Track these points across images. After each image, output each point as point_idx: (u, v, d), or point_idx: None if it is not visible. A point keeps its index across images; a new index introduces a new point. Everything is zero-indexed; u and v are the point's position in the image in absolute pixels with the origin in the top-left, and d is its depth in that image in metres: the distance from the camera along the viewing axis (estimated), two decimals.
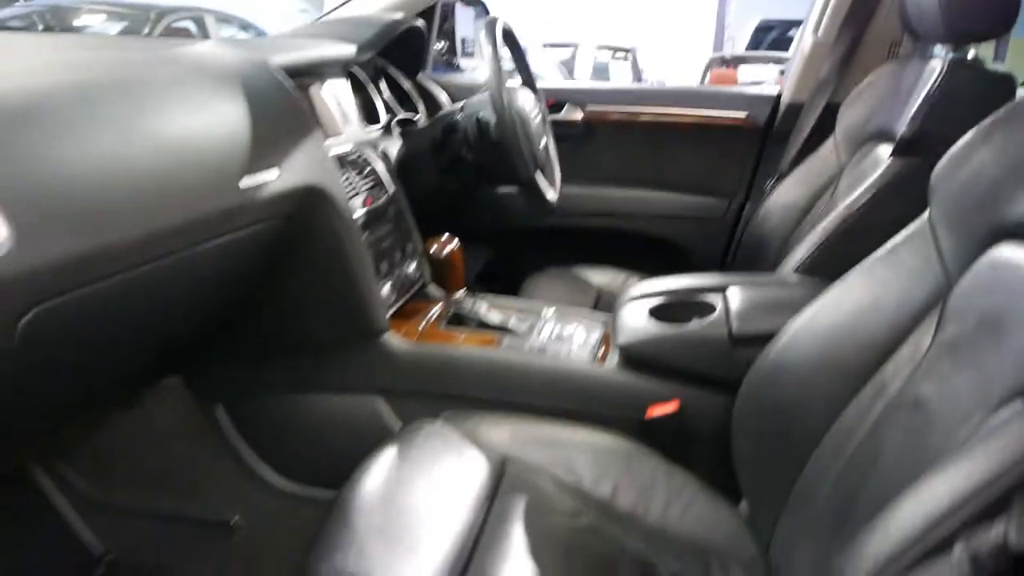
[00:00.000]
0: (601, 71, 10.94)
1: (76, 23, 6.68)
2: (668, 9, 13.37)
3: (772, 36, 9.77)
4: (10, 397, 0.79)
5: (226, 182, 0.99)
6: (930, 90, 1.36)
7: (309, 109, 1.41)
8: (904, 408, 0.87)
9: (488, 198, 2.02)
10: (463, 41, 2.31)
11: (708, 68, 7.63)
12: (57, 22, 6.55)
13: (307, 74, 1.43)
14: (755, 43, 10.15)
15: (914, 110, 1.37)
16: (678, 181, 2.13)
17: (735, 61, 8.20)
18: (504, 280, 2.02)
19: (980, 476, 0.59)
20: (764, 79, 7.79)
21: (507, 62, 1.76)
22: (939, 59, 1.42)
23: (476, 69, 2.36)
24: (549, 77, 7.79)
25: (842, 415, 0.96)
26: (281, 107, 1.16)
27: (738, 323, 1.22)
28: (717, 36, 12.58)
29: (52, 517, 1.35)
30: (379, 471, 0.98)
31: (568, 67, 10.30)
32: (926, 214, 0.99)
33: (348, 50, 1.55)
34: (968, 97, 1.34)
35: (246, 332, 1.29)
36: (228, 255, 1.04)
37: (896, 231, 1.02)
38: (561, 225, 2.11)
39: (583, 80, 9.47)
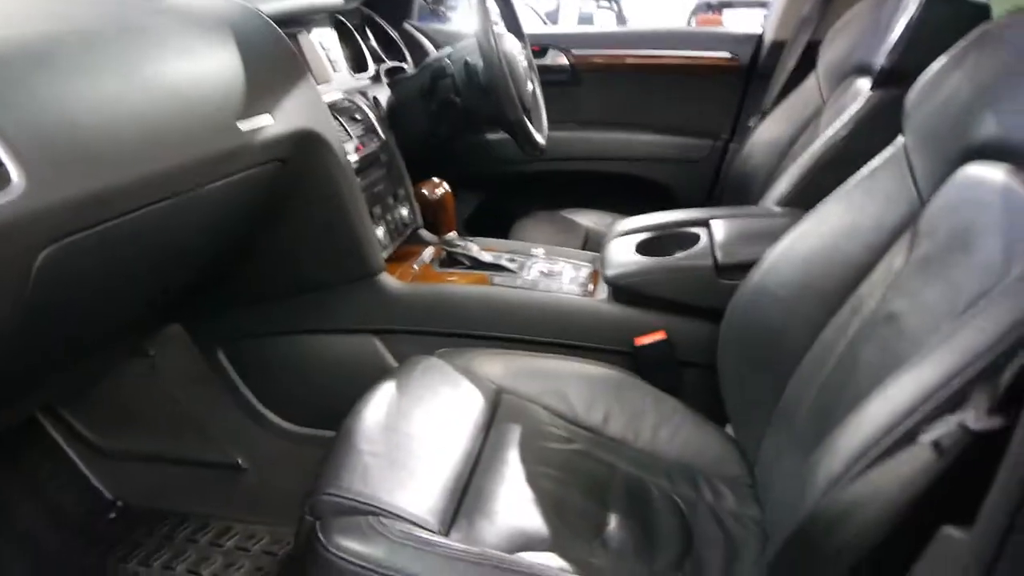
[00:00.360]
0: (586, 20, 10.82)
1: None
2: None
3: None
4: (24, 338, 0.83)
5: (225, 124, 1.02)
6: (908, 22, 1.38)
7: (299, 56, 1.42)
8: (879, 324, 0.91)
9: (477, 144, 2.04)
10: None
11: (693, 14, 7.54)
12: None
13: (294, 22, 1.44)
14: None
15: (892, 42, 1.40)
16: (664, 122, 2.15)
17: (720, 6, 8.10)
18: (494, 224, 2.05)
19: (942, 372, 0.63)
20: (751, 26, 7.71)
21: (493, 8, 1.77)
22: None
23: (461, 18, 2.36)
24: (533, 25, 7.72)
25: (821, 335, 1.00)
26: (273, 53, 1.18)
27: (721, 253, 1.26)
28: None
29: (63, 465, 1.40)
30: (380, 403, 1.02)
31: (552, 18, 10.19)
32: (900, 139, 1.02)
33: None
34: (945, 28, 1.35)
35: (245, 276, 1.32)
36: (229, 196, 1.07)
37: None
38: (549, 169, 2.14)
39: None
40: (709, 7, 7.98)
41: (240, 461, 1.41)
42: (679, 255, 1.30)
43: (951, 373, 0.63)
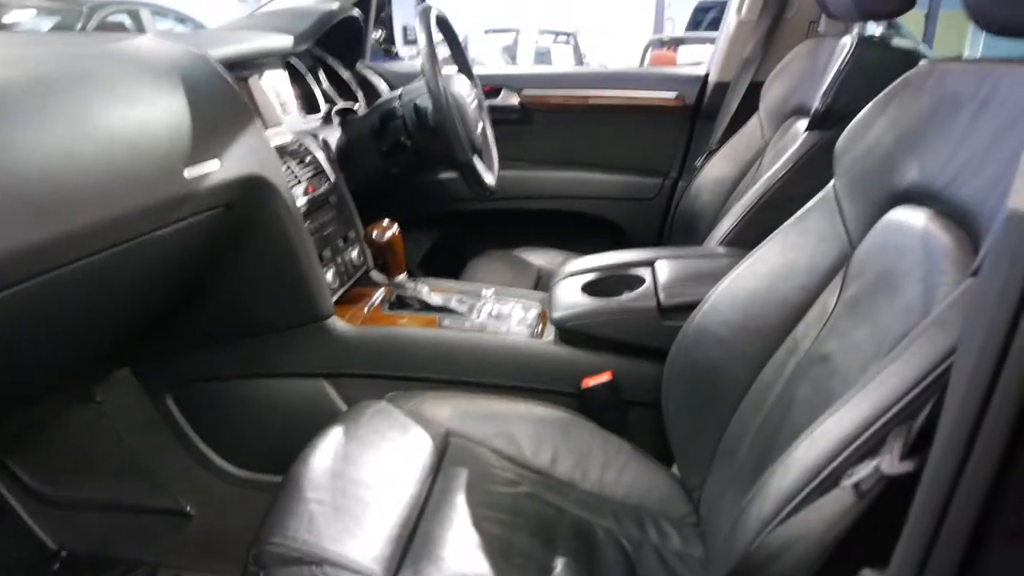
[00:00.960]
0: (543, 55, 10.99)
1: (6, 20, 6.50)
2: None
3: (711, 16, 9.89)
4: None
5: (171, 172, 1.02)
6: (840, 66, 1.44)
7: (248, 101, 1.43)
8: (813, 363, 0.94)
9: (430, 183, 2.06)
10: (404, 29, 2.33)
11: (647, 50, 7.70)
12: None
13: (245, 66, 1.45)
14: (694, 23, 10.28)
15: (826, 86, 1.45)
16: (613, 161, 2.19)
17: (673, 42, 8.30)
18: (448, 262, 2.07)
19: (863, 416, 0.66)
20: (703, 60, 7.89)
21: (443, 49, 1.80)
22: (849, 37, 1.50)
23: (416, 57, 2.39)
24: (491, 63, 7.81)
25: (760, 374, 1.03)
26: (221, 99, 1.19)
27: (665, 294, 1.29)
28: (657, 18, 12.69)
29: (5, 514, 1.37)
30: (327, 449, 1.02)
31: (510, 52, 10.33)
32: (831, 183, 1.06)
33: (285, 41, 1.58)
34: (875, 72, 1.41)
35: (193, 320, 1.31)
36: (175, 243, 1.07)
37: None
38: (502, 208, 2.16)
39: (520, 65, 9.51)
40: (662, 43, 8.17)
41: (189, 508, 1.39)
42: (624, 296, 1.32)
43: (871, 418, 0.65)
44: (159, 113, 1.05)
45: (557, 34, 11.34)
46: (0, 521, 1.39)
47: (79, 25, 6.07)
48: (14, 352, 0.88)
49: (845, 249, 0.99)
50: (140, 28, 6.52)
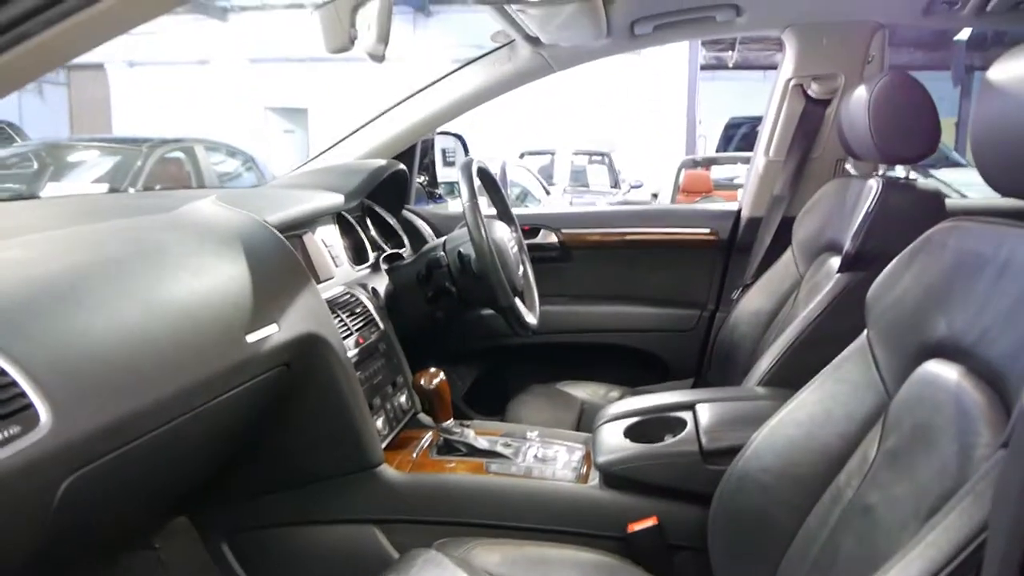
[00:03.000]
0: (579, 175, 11.30)
1: (71, 159, 6.89)
2: (641, 112, 13.86)
3: (742, 132, 10.17)
4: (45, 555, 0.87)
5: (234, 339, 1.09)
6: (868, 209, 1.49)
7: (303, 257, 1.52)
8: (856, 515, 0.95)
9: (473, 320, 2.12)
10: (443, 151, 2.45)
11: (680, 171, 7.90)
12: (53, 160, 6.74)
13: (300, 225, 1.55)
14: (726, 140, 10.55)
15: (855, 227, 1.50)
16: (652, 295, 2.25)
17: (706, 162, 8.50)
18: (492, 397, 2.11)
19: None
20: (738, 175, 8.07)
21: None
22: (876, 178, 1.56)
23: (454, 196, 2.51)
24: (529, 184, 8.06)
25: (805, 523, 1.04)
26: (279, 263, 1.28)
27: (707, 439, 1.31)
28: (688, 136, 13.02)
29: None
30: None
31: (547, 173, 10.64)
32: (865, 332, 1.09)
33: (336, 200, 1.68)
34: (901, 214, 1.47)
35: (248, 470, 1.36)
36: (238, 405, 1.14)
37: (849, 341, 1.12)
38: (544, 342, 2.21)
39: (556, 186, 9.76)
40: (695, 163, 8.38)
41: None
42: (667, 441, 1.35)
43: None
44: (222, 282, 1.13)
45: (592, 154, 11.68)
46: None
47: (139, 163, 6.40)
48: (87, 523, 0.93)
49: (882, 399, 1.01)
50: (195, 163, 6.86)
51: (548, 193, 8.34)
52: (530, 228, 2.25)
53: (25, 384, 0.77)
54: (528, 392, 1.99)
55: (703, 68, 14.00)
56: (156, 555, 1.40)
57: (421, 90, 2.03)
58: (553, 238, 2.25)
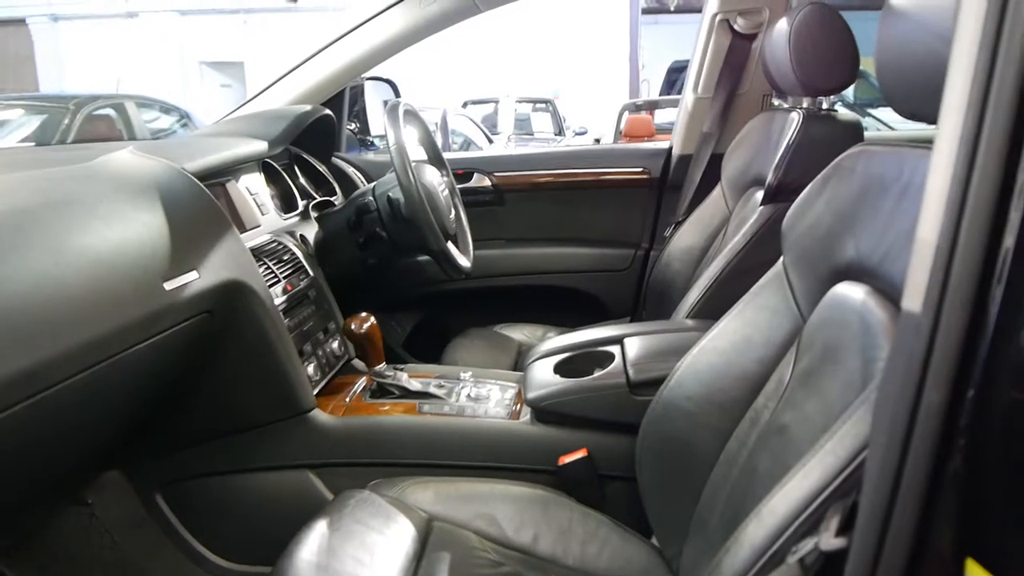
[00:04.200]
0: (524, 123, 11.22)
1: None
2: (585, 58, 13.77)
3: (685, 76, 10.14)
4: None
5: (151, 287, 1.07)
6: (789, 141, 1.51)
7: (226, 206, 1.50)
8: (772, 434, 0.98)
9: (409, 266, 2.12)
10: (385, 103, 2.40)
11: (622, 114, 7.87)
12: None
13: (222, 173, 1.52)
14: (669, 84, 10.53)
15: (777, 159, 1.52)
16: (586, 235, 2.26)
17: (648, 106, 8.48)
18: (431, 342, 2.11)
19: (803, 496, 0.70)
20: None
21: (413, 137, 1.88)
22: (797, 111, 1.58)
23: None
24: (472, 134, 7.98)
25: (727, 445, 1.07)
26: (198, 211, 1.25)
27: (634, 371, 1.33)
28: (631, 81, 12.99)
29: None
30: (311, 542, 1.05)
31: (491, 122, 10.54)
32: (781, 259, 1.12)
33: (260, 147, 1.65)
34: (821, 145, 1.49)
35: (178, 420, 1.35)
36: (159, 353, 1.12)
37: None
38: (481, 286, 2.22)
39: (501, 135, 9.68)
40: (637, 107, 8.35)
41: None
42: (595, 374, 1.37)
43: (811, 495, 0.70)
44: (138, 231, 1.10)
45: (535, 102, 11.59)
46: None
47: (66, 121, 6.18)
48: (16, 464, 0.92)
49: (797, 323, 1.04)
50: (126, 120, 6.65)
51: (491, 142, 8.27)
52: (464, 172, 2.24)
53: None
54: (465, 335, 1.99)
55: (645, 12, 13.91)
56: (89, 510, 1.39)
57: (346, 34, 1.98)
58: (487, 181, 2.25)
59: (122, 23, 14.09)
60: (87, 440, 1.15)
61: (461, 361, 1.83)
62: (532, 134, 10.91)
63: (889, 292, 0.84)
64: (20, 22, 13.81)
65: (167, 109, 7.56)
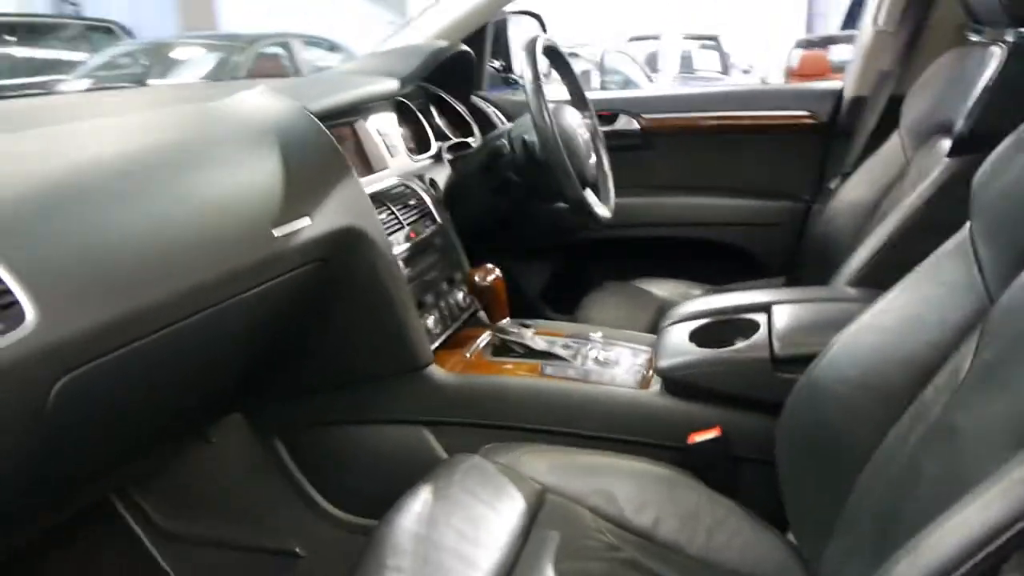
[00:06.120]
0: (687, 61, 10.79)
1: (174, 56, 7.07)
2: None
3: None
4: (55, 452, 0.86)
5: (259, 233, 1.04)
6: (988, 82, 1.29)
7: (353, 146, 1.45)
8: (941, 436, 0.83)
9: (548, 214, 2.02)
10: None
11: (793, 52, 7.37)
12: (158, 59, 6.95)
13: (352, 112, 1.48)
14: (851, 18, 9.77)
15: (971, 103, 1.30)
16: (741, 185, 2.09)
17: (823, 42, 7.90)
18: (570, 293, 2.02)
19: (994, 523, 0.57)
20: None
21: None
22: (1000, 45, 1.34)
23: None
24: (631, 72, 7.73)
25: (884, 440, 0.92)
26: (315, 154, 1.21)
27: (780, 344, 1.19)
28: (808, 16, 12.17)
29: (132, 546, 1.44)
30: (413, 509, 1.00)
31: (652, 62, 10.21)
32: (967, 224, 0.94)
33: (390, 85, 1.59)
34: None
35: (299, 367, 1.34)
36: (271, 300, 1.10)
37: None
38: (623, 236, 2.10)
39: (662, 74, 9.35)
40: (810, 43, 7.79)
41: (298, 549, 1.42)
42: (736, 346, 1.23)
43: (993, 531, 0.56)
44: (250, 175, 1.08)
45: (701, 38, 11.10)
46: (131, 549, 1.46)
47: (238, 58, 6.50)
48: (98, 419, 0.92)
49: (983, 303, 0.87)
50: (292, 58, 6.90)
51: (651, 81, 7.98)
52: (610, 113, 2.10)
53: (10, 282, 0.73)
54: (603, 289, 1.89)
55: None
56: (213, 448, 1.41)
57: None
58: (634, 124, 2.10)
59: None
60: (206, 380, 1.16)
61: (595, 317, 1.73)
62: (695, 72, 10.47)
63: None
64: None
65: (333, 47, 7.80)
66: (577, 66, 6.95)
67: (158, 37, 8.70)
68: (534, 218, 2.01)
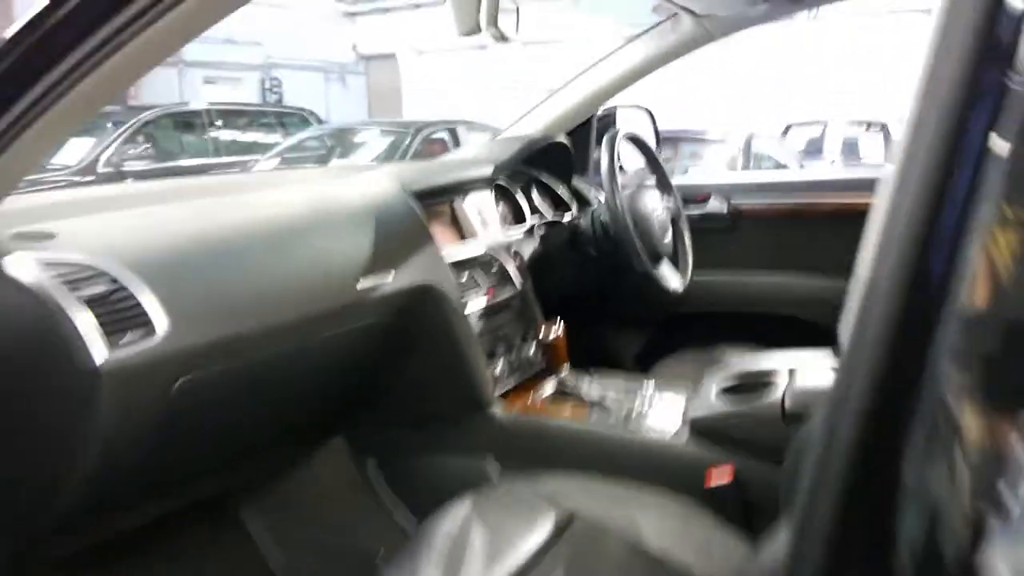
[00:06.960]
0: (852, 146, 10.55)
1: (355, 140, 7.83)
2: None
3: None
4: (174, 444, 1.14)
5: (344, 284, 1.32)
6: None
7: (450, 220, 1.72)
8: None
9: (633, 287, 2.20)
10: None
11: None
12: (340, 142, 7.72)
13: (450, 192, 1.75)
14: None
15: None
16: (825, 266, 2.17)
17: None
18: (659, 361, 2.17)
19: None
20: None
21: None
22: None
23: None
24: (783, 158, 7.74)
25: None
26: (402, 227, 1.50)
27: (791, 401, 1.31)
28: None
29: (244, 544, 1.69)
30: (452, 514, 1.19)
31: (817, 145, 10.07)
32: None
33: (484, 170, 1.85)
34: None
35: (384, 402, 1.59)
36: (353, 342, 1.36)
37: None
38: (712, 311, 2.23)
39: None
40: None
41: (381, 557, 1.63)
42: (754, 400, 1.37)
43: None
44: (342, 240, 1.37)
45: (869, 124, 10.85)
46: (237, 549, 1.68)
47: (407, 142, 7.10)
48: (209, 420, 1.20)
49: None
50: (456, 142, 7.46)
51: (802, 167, 7.94)
52: (704, 198, 2.26)
53: (152, 305, 1.03)
54: (681, 354, 2.03)
55: None
56: (317, 467, 1.67)
57: (590, 68, 2.13)
58: (724, 207, 2.25)
59: (475, 54, 15.55)
60: (304, 404, 1.43)
61: (663, 373, 1.88)
62: (860, 160, 10.22)
63: None
64: (391, 56, 15.82)
65: (496, 133, 8.28)
66: (724, 152, 7.04)
67: (343, 123, 9.64)
68: (620, 290, 2.20)
